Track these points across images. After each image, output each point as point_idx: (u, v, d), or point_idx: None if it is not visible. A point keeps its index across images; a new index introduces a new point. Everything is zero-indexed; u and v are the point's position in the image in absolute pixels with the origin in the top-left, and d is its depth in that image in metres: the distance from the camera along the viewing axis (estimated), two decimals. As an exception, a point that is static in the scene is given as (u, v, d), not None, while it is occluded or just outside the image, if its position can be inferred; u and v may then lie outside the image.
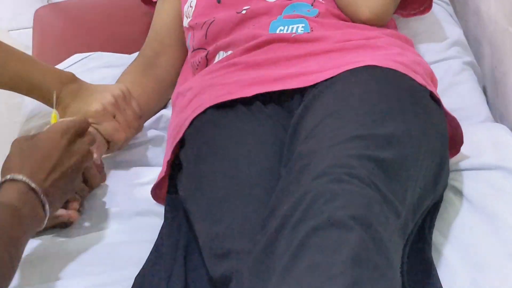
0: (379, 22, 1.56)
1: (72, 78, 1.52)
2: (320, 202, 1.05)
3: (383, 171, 1.14)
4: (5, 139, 1.94)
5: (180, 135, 1.39)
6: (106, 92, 1.52)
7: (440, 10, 1.88)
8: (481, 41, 1.83)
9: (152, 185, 1.46)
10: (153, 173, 1.52)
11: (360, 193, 1.07)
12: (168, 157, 1.39)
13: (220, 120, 1.37)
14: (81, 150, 1.25)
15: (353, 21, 1.58)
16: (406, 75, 1.35)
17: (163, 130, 1.68)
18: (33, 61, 1.50)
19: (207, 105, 1.39)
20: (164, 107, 1.74)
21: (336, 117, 1.23)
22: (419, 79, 1.36)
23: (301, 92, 1.39)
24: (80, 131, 1.26)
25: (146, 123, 1.66)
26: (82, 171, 1.27)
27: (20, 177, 1.15)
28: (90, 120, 1.43)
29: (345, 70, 1.36)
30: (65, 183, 1.22)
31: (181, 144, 1.41)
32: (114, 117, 1.51)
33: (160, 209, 1.44)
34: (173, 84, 1.74)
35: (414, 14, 1.74)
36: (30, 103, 1.78)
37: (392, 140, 1.19)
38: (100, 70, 1.83)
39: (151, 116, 1.69)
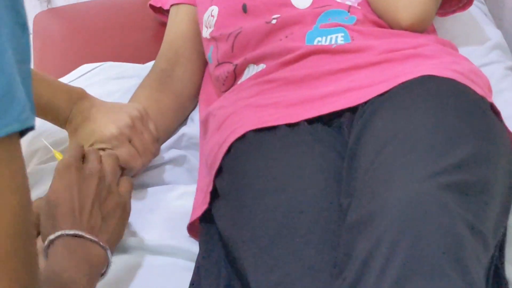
0: (420, 28, 1.44)
1: (82, 95, 1.39)
2: (405, 242, 0.94)
3: (468, 200, 1.03)
4: None
5: (218, 162, 1.25)
6: (122, 113, 1.39)
7: (475, 10, 1.75)
8: (520, 42, 1.72)
9: (176, 205, 1.36)
10: (178, 191, 1.43)
11: (450, 229, 0.95)
12: (210, 187, 1.25)
13: (262, 145, 1.22)
14: (93, 171, 1.15)
15: (392, 28, 1.45)
16: (466, 85, 1.23)
17: (185, 149, 1.55)
18: (40, 76, 1.38)
19: (246, 129, 1.25)
20: (184, 124, 1.61)
21: (403, 141, 1.10)
22: (479, 90, 1.24)
23: (351, 108, 1.26)
24: (80, 157, 1.17)
25: (166, 143, 1.54)
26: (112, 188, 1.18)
27: (55, 234, 1.07)
28: (104, 145, 1.34)
29: (400, 82, 1.23)
30: (101, 208, 1.14)
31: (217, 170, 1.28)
32: (130, 141, 1.38)
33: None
34: (190, 99, 1.61)
35: (453, 12, 1.61)
36: (36, 120, 1.64)
37: (470, 164, 1.08)
38: (111, 82, 1.70)
39: (168, 137, 1.56)
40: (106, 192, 1.16)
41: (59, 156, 1.29)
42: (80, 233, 1.08)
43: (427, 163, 1.04)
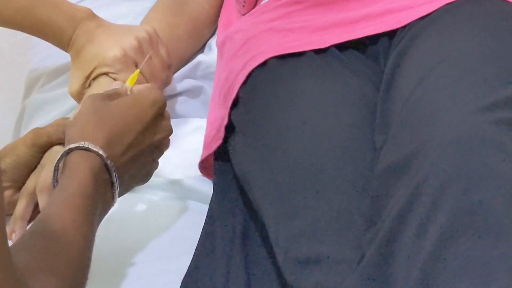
0: None
1: (89, 15, 1.29)
2: (454, 190, 0.80)
3: None
4: (10, 85, 1.73)
5: (235, 92, 1.12)
6: (128, 34, 1.28)
7: None
8: None
9: (190, 141, 1.27)
10: (192, 125, 1.33)
11: (509, 173, 0.81)
12: (225, 120, 1.12)
13: (286, 73, 1.09)
14: (166, 129, 1.04)
15: None
16: None
17: (201, 79, 1.42)
18: None
19: (268, 56, 1.11)
20: (201, 51, 1.48)
21: (448, 69, 0.97)
22: None
23: (388, 33, 1.13)
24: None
25: (180, 72, 1.42)
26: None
27: (96, 148, 0.93)
28: (107, 69, 1.24)
29: (445, 3, 1.09)
30: (140, 165, 1.02)
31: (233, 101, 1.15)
32: (136, 65, 1.26)
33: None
34: (208, 24, 1.47)
35: None
36: (37, 45, 1.55)
37: None
38: (121, 4, 1.58)
39: (182, 65, 1.43)
40: (155, 155, 1.05)
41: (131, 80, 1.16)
42: (113, 168, 0.94)
43: (480, 94, 0.90)
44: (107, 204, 0.96)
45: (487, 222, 0.78)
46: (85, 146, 0.93)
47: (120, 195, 1.00)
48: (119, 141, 0.97)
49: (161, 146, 1.05)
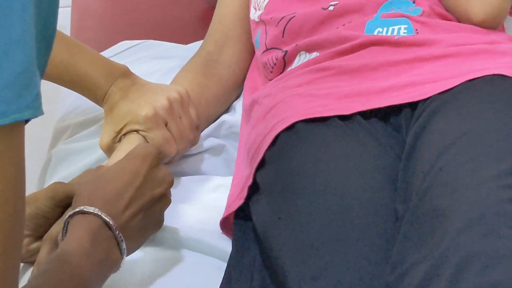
0: (493, 24, 1.32)
1: (125, 72, 1.30)
2: (474, 267, 0.82)
3: None
4: (38, 137, 1.74)
5: (261, 154, 1.14)
6: (160, 94, 1.29)
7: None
8: None
9: (210, 198, 1.28)
10: (213, 183, 1.34)
11: None
12: (250, 181, 1.14)
13: (312, 137, 1.12)
14: (166, 180, 1.07)
15: (462, 23, 1.33)
16: None
17: (224, 138, 1.44)
18: (81, 47, 1.30)
19: (295, 119, 1.14)
20: (226, 111, 1.50)
21: (468, 144, 1.00)
22: None
23: (411, 105, 1.16)
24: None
25: (205, 131, 1.43)
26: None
27: (91, 209, 0.97)
28: (137, 127, 1.26)
29: (467, 79, 1.13)
30: (147, 219, 1.04)
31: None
32: (166, 125, 1.28)
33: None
34: (236, 86, 1.50)
35: None
36: (67, 96, 1.55)
37: None
38: (150, 62, 1.60)
39: (209, 124, 1.45)
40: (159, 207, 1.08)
41: None
42: (114, 224, 0.98)
43: (501, 170, 0.93)
44: (114, 259, 0.98)
45: None
46: (82, 210, 0.97)
47: (136, 248, 1.04)
48: (118, 199, 1.00)
49: (164, 197, 1.08)
